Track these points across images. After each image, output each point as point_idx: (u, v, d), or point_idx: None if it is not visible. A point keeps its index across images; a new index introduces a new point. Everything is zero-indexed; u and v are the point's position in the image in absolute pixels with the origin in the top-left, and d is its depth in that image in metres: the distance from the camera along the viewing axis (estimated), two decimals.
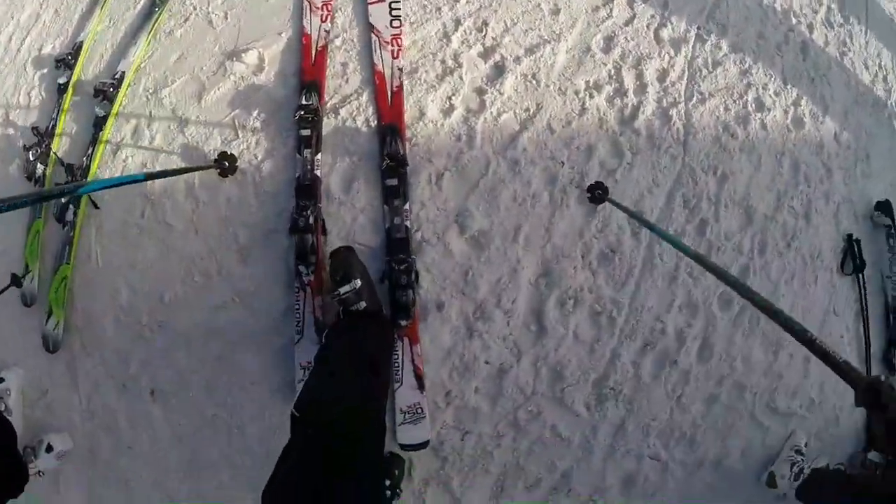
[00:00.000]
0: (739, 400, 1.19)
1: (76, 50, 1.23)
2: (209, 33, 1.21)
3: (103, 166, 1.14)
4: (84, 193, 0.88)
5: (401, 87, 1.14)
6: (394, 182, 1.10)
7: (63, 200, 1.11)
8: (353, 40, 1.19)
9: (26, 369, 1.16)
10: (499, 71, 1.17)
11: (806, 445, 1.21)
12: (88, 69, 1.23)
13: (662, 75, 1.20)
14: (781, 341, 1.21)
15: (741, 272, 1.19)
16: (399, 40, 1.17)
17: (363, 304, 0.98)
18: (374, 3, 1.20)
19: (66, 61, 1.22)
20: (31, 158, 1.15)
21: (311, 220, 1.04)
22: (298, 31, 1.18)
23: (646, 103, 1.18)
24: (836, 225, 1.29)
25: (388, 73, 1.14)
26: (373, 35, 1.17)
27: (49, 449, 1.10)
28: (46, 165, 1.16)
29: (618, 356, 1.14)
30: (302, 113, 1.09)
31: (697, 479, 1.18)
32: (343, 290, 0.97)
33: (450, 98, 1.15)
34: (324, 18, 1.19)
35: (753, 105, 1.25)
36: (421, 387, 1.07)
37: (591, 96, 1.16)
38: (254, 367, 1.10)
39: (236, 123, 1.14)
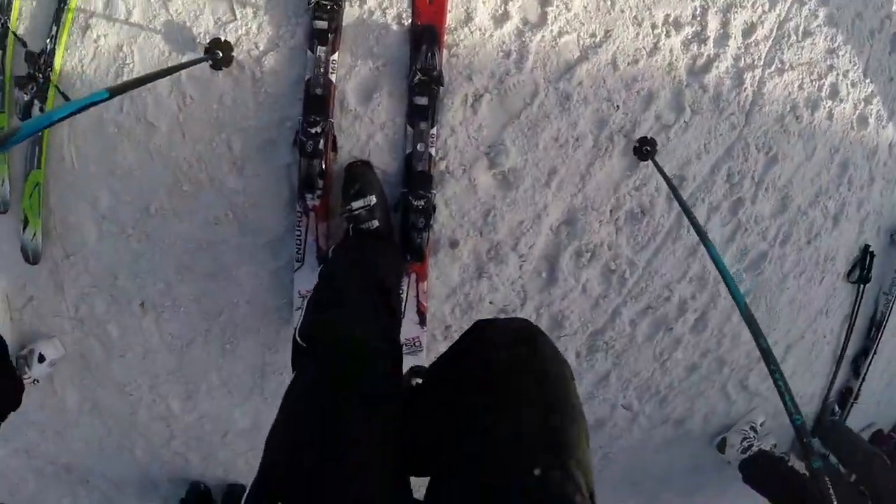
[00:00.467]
0: (717, 372, 1.27)
1: None
2: None
3: (71, 47, 0.93)
4: (14, 144, 0.52)
5: None
6: (423, 101, 0.93)
7: (27, 97, 0.91)
8: None
9: (8, 277, 1.06)
10: None
11: (761, 425, 1.32)
12: None
13: (749, 30, 1.08)
14: (769, 331, 1.26)
15: (758, 258, 1.20)
16: None
17: (376, 224, 0.91)
18: None
19: None
20: None
21: (321, 143, 0.88)
22: None
23: (723, 57, 1.07)
24: (858, 233, 1.30)
25: None
26: None
27: (41, 359, 1.07)
28: (4, 50, 0.94)
29: (619, 314, 1.17)
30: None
31: (659, 432, 1.30)
32: (356, 204, 0.90)
33: (506, 3, 0.96)
34: None
35: (828, 90, 1.16)
36: (422, 322, 1.06)
37: (668, 35, 1.04)
38: (248, 287, 1.04)
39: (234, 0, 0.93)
